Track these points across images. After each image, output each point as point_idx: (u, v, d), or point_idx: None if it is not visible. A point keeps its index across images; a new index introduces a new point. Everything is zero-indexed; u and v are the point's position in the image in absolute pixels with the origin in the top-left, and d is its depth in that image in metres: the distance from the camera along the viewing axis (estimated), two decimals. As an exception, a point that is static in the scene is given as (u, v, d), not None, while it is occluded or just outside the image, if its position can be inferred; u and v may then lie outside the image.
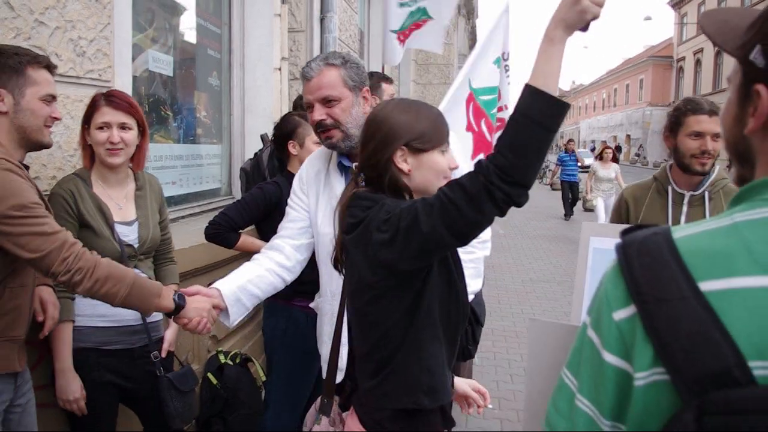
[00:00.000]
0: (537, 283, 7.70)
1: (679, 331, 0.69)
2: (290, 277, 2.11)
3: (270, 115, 4.51)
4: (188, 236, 3.04)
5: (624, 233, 0.82)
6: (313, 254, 2.16)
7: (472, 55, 3.70)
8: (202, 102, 4.13)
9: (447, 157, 1.61)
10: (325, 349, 2.04)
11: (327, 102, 1.97)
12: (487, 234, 2.11)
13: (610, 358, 0.77)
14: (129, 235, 2.19)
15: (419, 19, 6.08)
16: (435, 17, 6.00)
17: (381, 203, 1.50)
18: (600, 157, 11.05)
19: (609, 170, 10.35)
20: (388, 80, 3.68)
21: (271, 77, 4.53)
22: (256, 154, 3.60)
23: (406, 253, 1.42)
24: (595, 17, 1.28)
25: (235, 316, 1.99)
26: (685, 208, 2.38)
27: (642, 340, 0.73)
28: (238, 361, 2.94)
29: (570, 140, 15.54)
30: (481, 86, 3.44)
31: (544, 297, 6.99)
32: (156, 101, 3.48)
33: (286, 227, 2.15)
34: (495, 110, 3.78)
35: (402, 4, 5.84)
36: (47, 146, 1.90)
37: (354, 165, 1.70)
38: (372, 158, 1.58)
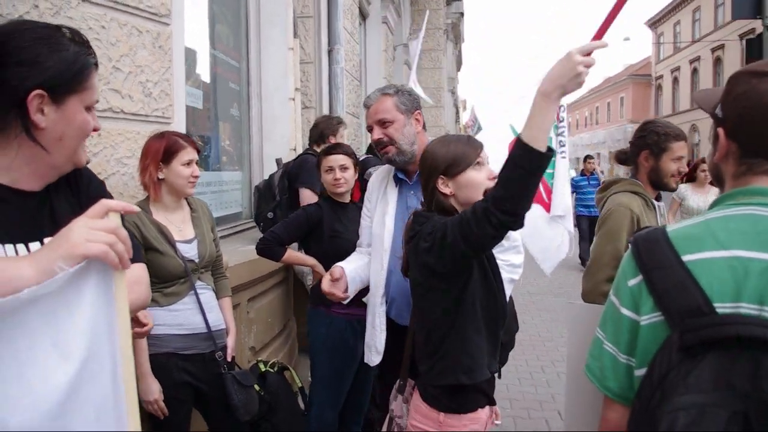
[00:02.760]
0: (536, 295, 8.12)
1: (668, 286, 1.08)
2: None
3: (287, 142, 4.81)
4: (229, 255, 3.32)
5: (633, 232, 1.21)
6: None
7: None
8: (225, 132, 4.42)
9: (484, 170, 1.96)
10: (375, 340, 2.43)
11: (383, 124, 2.34)
12: (518, 259, 2.35)
13: (625, 311, 1.17)
14: (189, 251, 2.45)
15: None
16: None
17: (431, 220, 1.87)
18: (690, 177, 5.87)
19: (706, 196, 5.61)
20: (342, 123, 4.18)
21: (286, 106, 4.83)
22: (271, 175, 3.99)
23: (440, 258, 1.79)
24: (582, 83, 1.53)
25: (352, 293, 2.45)
26: (662, 218, 2.70)
27: (646, 295, 1.12)
28: (276, 369, 3.21)
29: (589, 156, 11.26)
30: None
31: (544, 309, 7.39)
32: (191, 132, 3.78)
33: (362, 234, 2.60)
34: None
35: None
36: None
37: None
38: (425, 188, 1.98)
